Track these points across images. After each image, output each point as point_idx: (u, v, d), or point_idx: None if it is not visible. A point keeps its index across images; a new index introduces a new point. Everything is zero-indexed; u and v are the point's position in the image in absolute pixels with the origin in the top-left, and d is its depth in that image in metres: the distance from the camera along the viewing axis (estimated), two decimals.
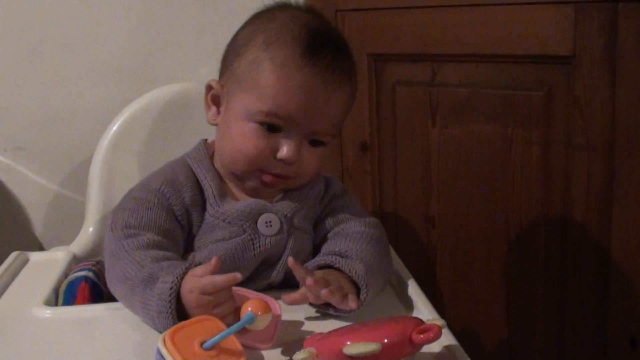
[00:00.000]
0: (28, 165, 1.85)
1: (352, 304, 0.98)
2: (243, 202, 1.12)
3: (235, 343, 0.86)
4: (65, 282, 1.19)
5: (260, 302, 0.91)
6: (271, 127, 1.08)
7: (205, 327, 0.87)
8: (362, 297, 1.00)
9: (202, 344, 0.83)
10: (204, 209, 1.12)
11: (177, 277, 0.94)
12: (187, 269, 0.95)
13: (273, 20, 1.12)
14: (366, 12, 1.73)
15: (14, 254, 1.30)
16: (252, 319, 0.88)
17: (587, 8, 1.40)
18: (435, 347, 0.91)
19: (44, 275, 1.22)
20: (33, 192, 1.87)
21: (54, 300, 1.15)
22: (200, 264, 0.97)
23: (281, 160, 1.08)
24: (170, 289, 0.93)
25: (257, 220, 1.10)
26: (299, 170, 1.11)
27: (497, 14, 1.52)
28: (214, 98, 1.16)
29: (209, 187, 1.12)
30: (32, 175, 1.86)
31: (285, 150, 1.08)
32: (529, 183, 1.55)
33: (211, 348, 0.83)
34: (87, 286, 1.17)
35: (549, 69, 1.49)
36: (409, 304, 1.09)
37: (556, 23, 1.45)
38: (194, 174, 1.14)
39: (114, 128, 1.51)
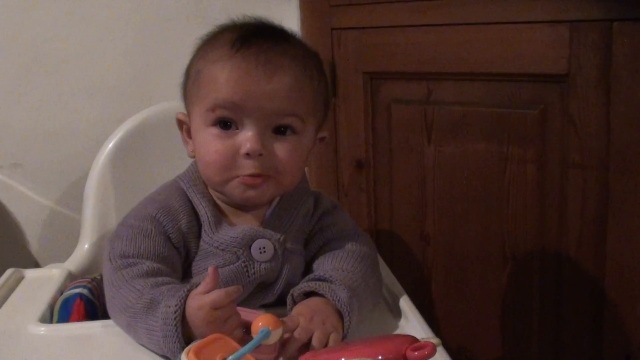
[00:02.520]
0: (24, 182, 1.85)
1: (332, 345, 0.97)
2: (236, 228, 1.10)
3: (248, 358, 0.87)
4: (60, 299, 1.19)
5: (270, 317, 0.91)
6: (225, 124, 1.06)
7: (220, 346, 0.87)
8: (345, 326, 0.99)
9: None
10: (198, 235, 1.11)
11: (180, 300, 0.93)
12: (189, 291, 0.94)
13: (210, 36, 1.13)
14: (362, 30, 1.74)
15: (9, 271, 1.30)
16: (267, 334, 0.89)
17: (582, 27, 1.41)
18: None
19: (39, 292, 1.22)
20: (29, 208, 1.87)
21: (49, 317, 1.15)
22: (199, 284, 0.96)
23: (247, 155, 1.05)
24: (175, 312, 0.92)
25: (250, 246, 1.09)
26: (273, 164, 1.07)
27: (493, 32, 1.53)
28: (188, 132, 1.16)
29: (205, 213, 1.11)
30: (27, 192, 1.85)
31: (245, 143, 1.05)
32: (524, 201, 1.55)
33: None
34: (82, 303, 1.17)
35: (544, 87, 1.49)
36: (403, 322, 1.09)
37: (551, 42, 1.45)
38: (189, 199, 1.13)
39: (110, 145, 1.51)
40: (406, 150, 1.71)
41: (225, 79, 1.05)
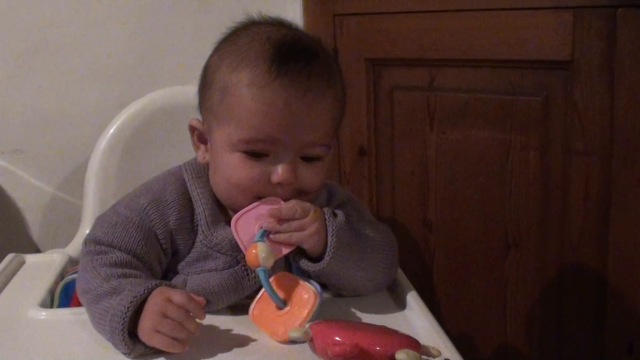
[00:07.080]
0: (25, 167, 1.85)
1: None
2: None
3: (307, 288, 0.92)
4: (61, 284, 1.19)
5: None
6: (257, 153, 1.02)
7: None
8: (326, 256, 1.03)
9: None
10: (192, 231, 1.08)
11: (145, 290, 0.93)
12: (157, 285, 0.94)
13: (236, 41, 1.06)
14: (364, 16, 1.73)
15: (10, 256, 1.31)
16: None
17: (586, 14, 1.40)
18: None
19: (39, 277, 1.22)
20: (30, 194, 1.87)
21: (49, 302, 1.16)
22: (172, 285, 0.97)
23: (278, 184, 1.02)
24: (134, 297, 0.92)
25: None
26: (300, 188, 1.05)
27: (496, 19, 1.52)
28: (200, 137, 1.11)
29: (202, 210, 1.07)
30: (29, 178, 1.85)
31: (279, 172, 1.02)
32: (527, 188, 1.55)
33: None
34: None
35: (547, 74, 1.49)
36: (408, 312, 1.08)
37: (555, 28, 1.45)
38: (187, 191, 1.09)
39: (111, 131, 1.51)
40: (408, 137, 1.71)
41: (264, 110, 1.00)
